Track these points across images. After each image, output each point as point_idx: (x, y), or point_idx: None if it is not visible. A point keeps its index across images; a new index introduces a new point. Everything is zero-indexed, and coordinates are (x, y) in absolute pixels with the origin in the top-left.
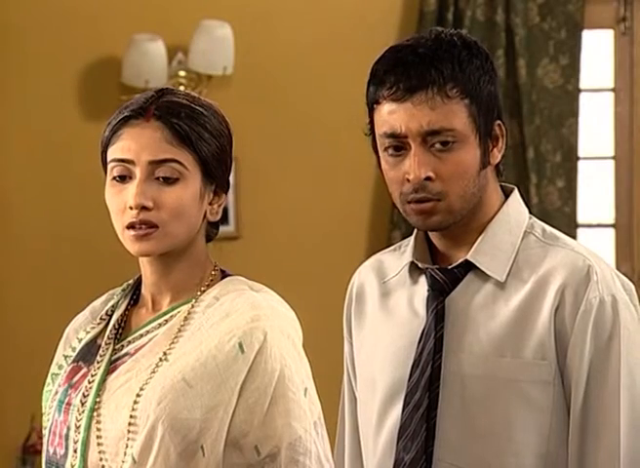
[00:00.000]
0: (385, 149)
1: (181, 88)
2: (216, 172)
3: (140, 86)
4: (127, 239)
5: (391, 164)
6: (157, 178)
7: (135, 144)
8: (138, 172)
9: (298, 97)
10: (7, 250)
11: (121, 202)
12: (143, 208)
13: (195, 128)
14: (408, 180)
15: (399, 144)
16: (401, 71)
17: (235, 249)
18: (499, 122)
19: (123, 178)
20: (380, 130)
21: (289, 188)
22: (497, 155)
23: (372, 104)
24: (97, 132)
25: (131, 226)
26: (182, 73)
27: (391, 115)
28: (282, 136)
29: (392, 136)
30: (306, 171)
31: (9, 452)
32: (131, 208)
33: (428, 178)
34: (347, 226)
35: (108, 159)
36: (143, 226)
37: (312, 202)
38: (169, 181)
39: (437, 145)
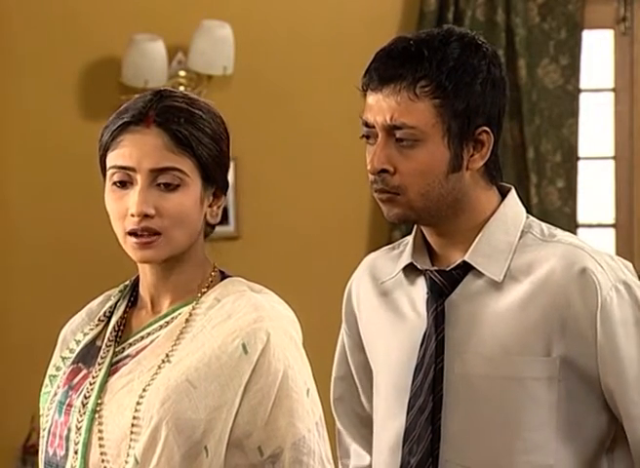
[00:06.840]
0: (364, 137)
1: (181, 88)
2: (215, 174)
3: (140, 86)
4: (129, 245)
5: (367, 151)
6: (158, 185)
7: (136, 151)
8: (139, 178)
9: (297, 96)
10: (6, 250)
11: (122, 208)
12: (145, 215)
13: (195, 133)
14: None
15: (371, 134)
16: (382, 61)
17: (235, 249)
18: (485, 128)
19: (124, 184)
20: (362, 117)
21: (289, 188)
22: (478, 161)
23: (363, 91)
24: (97, 132)
25: (132, 233)
26: (182, 73)
27: (368, 104)
28: (282, 136)
29: (366, 124)
30: (306, 170)
31: (9, 452)
32: (132, 215)
33: (384, 171)
34: (347, 226)
35: (108, 165)
36: (146, 234)
37: (312, 202)
38: (169, 188)
39: (402, 141)
